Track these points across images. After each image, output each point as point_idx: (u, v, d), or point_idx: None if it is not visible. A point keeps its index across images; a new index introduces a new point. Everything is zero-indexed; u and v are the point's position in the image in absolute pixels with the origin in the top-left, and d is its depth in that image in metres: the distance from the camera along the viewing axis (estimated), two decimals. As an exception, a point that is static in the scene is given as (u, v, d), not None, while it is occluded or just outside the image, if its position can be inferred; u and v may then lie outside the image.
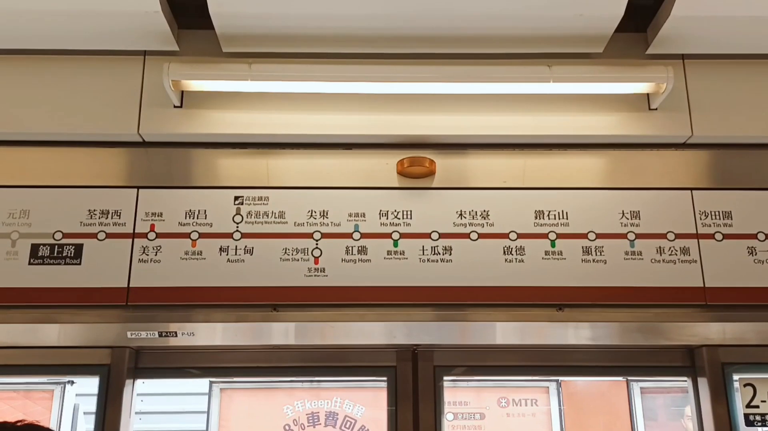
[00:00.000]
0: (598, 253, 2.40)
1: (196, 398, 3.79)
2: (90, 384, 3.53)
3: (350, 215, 2.45)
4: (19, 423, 1.70)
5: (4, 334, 2.34)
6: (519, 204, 2.46)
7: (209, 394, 3.37)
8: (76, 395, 3.42)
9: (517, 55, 2.49)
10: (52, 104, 2.45)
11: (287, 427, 3.39)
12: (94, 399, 3.55)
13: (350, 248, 2.41)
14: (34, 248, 2.35)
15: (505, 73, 2.38)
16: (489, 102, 2.50)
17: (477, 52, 2.47)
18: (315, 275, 2.37)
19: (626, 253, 2.41)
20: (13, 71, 2.48)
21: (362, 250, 2.40)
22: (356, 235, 2.42)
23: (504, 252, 2.40)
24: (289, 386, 3.41)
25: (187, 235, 2.40)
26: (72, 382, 3.39)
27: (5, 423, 1.68)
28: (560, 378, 3.22)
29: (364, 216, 2.45)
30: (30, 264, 2.33)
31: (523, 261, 2.39)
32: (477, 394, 3.33)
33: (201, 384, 3.53)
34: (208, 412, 3.32)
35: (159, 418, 3.52)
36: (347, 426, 3.42)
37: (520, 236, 2.42)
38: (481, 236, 2.42)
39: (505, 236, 2.42)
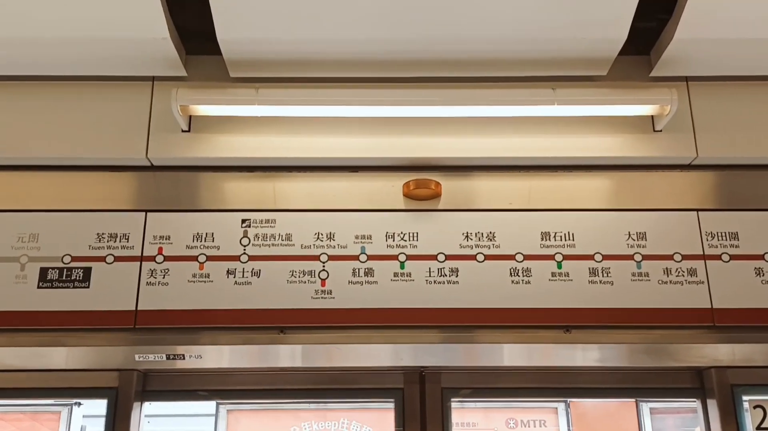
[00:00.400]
0: (605, 275, 2.40)
1: (203, 419, 3.78)
2: (97, 406, 3.53)
3: (357, 237, 2.46)
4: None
5: (13, 357, 2.36)
6: (525, 225, 2.47)
7: (216, 415, 3.36)
8: (83, 416, 3.42)
9: (521, 79, 2.51)
10: (61, 129, 2.48)
11: (294, 449, 3.37)
12: (101, 421, 3.54)
13: (357, 270, 2.41)
14: (43, 272, 2.36)
15: (510, 96, 2.40)
16: (494, 124, 2.52)
17: (482, 75, 2.49)
18: (322, 297, 2.38)
19: (633, 274, 2.41)
20: (22, 97, 2.52)
21: (369, 272, 2.41)
22: (363, 257, 2.43)
23: (510, 273, 2.41)
24: (295, 407, 3.40)
25: (195, 258, 2.41)
26: (79, 404, 3.38)
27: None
28: (569, 399, 3.19)
29: (370, 239, 2.46)
30: (39, 287, 2.35)
31: (529, 282, 2.39)
32: (485, 415, 3.30)
33: (208, 405, 3.53)
34: (215, 434, 3.31)
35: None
36: (354, 447, 3.40)
37: (526, 257, 2.43)
38: (487, 258, 2.43)
39: (512, 257, 2.43)
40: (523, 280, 2.40)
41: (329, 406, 3.43)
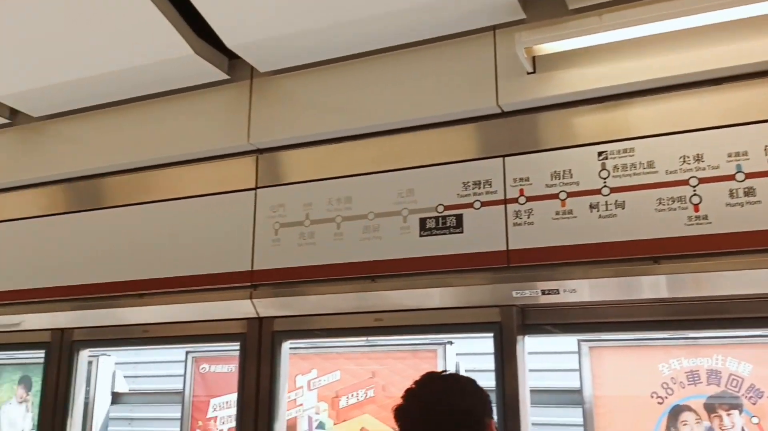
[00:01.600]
0: None
1: (564, 356, 3.87)
2: (465, 345, 3.86)
3: (729, 155, 2.25)
4: (443, 373, 1.94)
5: (406, 298, 2.64)
6: None
7: (579, 353, 3.40)
8: (456, 354, 3.76)
9: None
10: (418, 92, 2.69)
11: (665, 385, 3.27)
12: (471, 358, 3.85)
13: (734, 191, 2.22)
14: (422, 221, 2.62)
15: None
16: None
17: None
18: (697, 223, 2.24)
19: None
20: (384, 69, 2.78)
21: (749, 192, 2.20)
22: (740, 176, 2.22)
23: None
24: (661, 344, 3.28)
25: (556, 196, 2.45)
26: (451, 343, 3.73)
27: (432, 372, 1.93)
28: None
29: (746, 155, 2.23)
30: (420, 236, 2.61)
31: None
32: None
33: (568, 342, 3.58)
34: (580, 370, 3.36)
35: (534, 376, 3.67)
36: (733, 384, 3.17)
37: None
38: None
39: None
40: None
41: (699, 343, 3.25)
